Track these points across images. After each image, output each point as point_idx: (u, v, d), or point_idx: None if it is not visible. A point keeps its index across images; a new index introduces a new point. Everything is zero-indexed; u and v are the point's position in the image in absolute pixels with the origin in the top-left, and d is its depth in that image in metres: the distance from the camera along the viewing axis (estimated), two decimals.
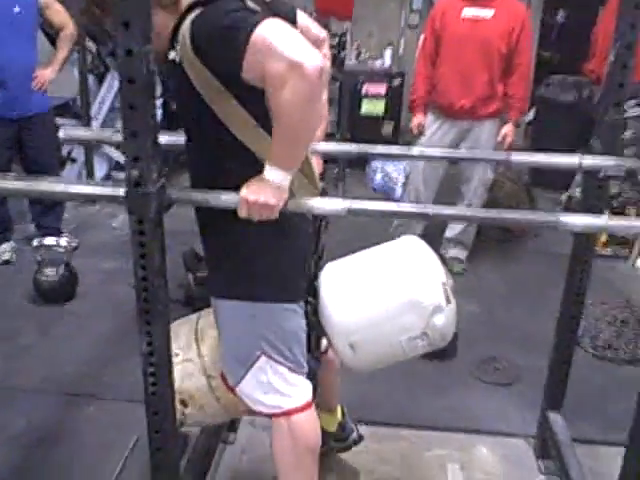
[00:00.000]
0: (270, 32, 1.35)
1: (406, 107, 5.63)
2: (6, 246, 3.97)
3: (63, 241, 3.63)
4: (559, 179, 4.92)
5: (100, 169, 5.19)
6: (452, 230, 3.98)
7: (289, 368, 1.73)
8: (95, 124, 5.04)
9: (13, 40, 3.60)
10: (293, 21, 1.77)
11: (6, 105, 3.65)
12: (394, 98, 5.76)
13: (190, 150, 1.69)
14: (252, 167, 1.50)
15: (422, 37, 3.92)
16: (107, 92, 5.21)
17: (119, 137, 2.24)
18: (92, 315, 3.39)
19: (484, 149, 3.59)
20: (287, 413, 1.76)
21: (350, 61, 6.13)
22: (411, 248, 1.86)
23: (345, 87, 5.60)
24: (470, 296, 3.51)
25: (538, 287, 3.70)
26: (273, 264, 1.66)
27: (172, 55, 1.50)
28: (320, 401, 1.98)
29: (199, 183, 1.63)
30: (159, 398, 1.59)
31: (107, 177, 5.28)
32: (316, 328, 1.83)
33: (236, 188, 1.48)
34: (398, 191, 5.11)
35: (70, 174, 5.08)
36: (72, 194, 1.57)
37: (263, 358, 1.70)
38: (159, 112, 5.52)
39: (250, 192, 1.45)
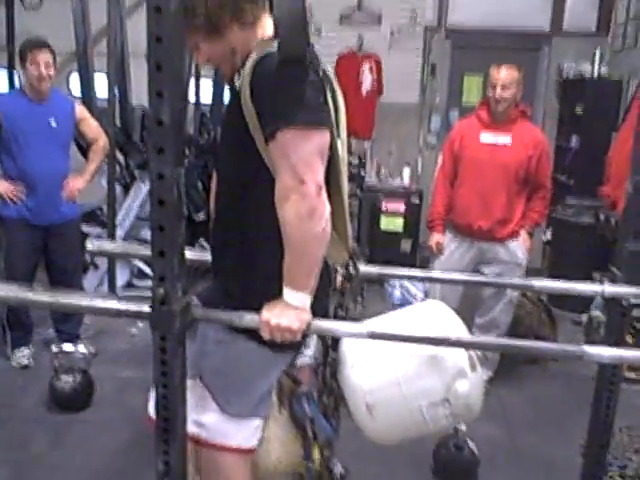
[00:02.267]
0: (294, 137, 1.45)
1: (424, 224, 5.75)
2: (25, 351, 3.99)
3: (82, 348, 3.64)
4: (578, 299, 4.91)
5: (122, 276, 5.26)
6: None
7: (220, 405, 1.72)
8: (120, 232, 5.16)
9: (48, 151, 3.78)
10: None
11: (36, 212, 3.79)
12: (412, 215, 5.87)
13: (221, 183, 1.73)
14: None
15: (440, 158, 4.03)
16: (133, 201, 5.37)
17: (142, 253, 2.34)
18: (106, 425, 3.35)
19: (504, 269, 3.64)
20: (220, 448, 1.74)
21: (370, 179, 6.30)
22: (435, 310, 1.83)
23: (365, 204, 5.72)
24: (491, 419, 3.43)
25: (562, 411, 3.63)
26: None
27: (237, 82, 1.57)
28: None
29: (226, 211, 1.68)
30: None
31: (129, 284, 5.36)
32: (335, 391, 1.80)
33: (263, 219, 1.54)
34: None
35: (92, 280, 5.15)
36: (98, 309, 1.61)
37: (198, 381, 1.72)
38: None
39: (272, 315, 1.47)
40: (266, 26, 1.63)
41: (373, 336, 1.48)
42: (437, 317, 1.83)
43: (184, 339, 1.50)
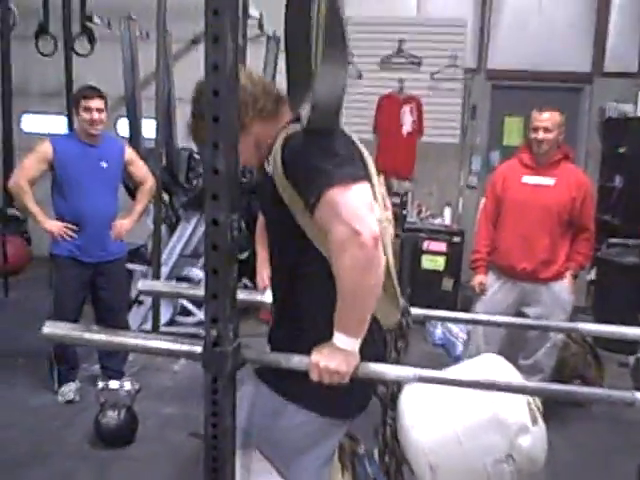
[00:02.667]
0: (340, 196, 1.47)
1: (465, 263, 5.75)
2: (71, 386, 4.07)
3: (127, 385, 3.71)
4: (625, 341, 4.84)
5: (165, 312, 5.35)
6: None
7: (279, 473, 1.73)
8: (164, 269, 5.27)
9: (98, 192, 3.91)
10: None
11: (85, 250, 3.90)
12: (454, 254, 5.88)
13: (273, 260, 1.78)
14: (330, 277, 1.55)
15: (483, 200, 4.06)
16: (177, 241, 5.49)
17: (192, 292, 2.40)
18: (150, 460, 3.39)
19: (548, 311, 3.62)
20: None
21: (411, 218, 6.34)
22: (493, 365, 1.84)
23: (406, 243, 5.75)
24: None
25: (607, 455, 3.55)
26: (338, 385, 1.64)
27: (268, 168, 1.62)
28: None
29: (279, 290, 1.73)
30: None
31: (171, 321, 5.45)
32: (396, 452, 1.81)
33: (314, 295, 1.59)
34: (459, 346, 5.08)
35: (136, 316, 5.25)
36: (151, 348, 1.66)
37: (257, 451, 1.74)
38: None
39: (321, 358, 1.50)
40: (285, 115, 1.72)
41: (421, 379, 1.50)
42: (494, 369, 1.84)
43: (235, 379, 1.54)
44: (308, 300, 1.67)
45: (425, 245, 5.87)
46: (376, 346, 1.75)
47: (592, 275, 6.05)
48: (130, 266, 5.25)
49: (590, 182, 3.83)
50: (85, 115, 3.80)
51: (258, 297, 2.15)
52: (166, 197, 5.50)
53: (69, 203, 3.87)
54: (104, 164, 3.93)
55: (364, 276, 1.46)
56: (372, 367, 1.54)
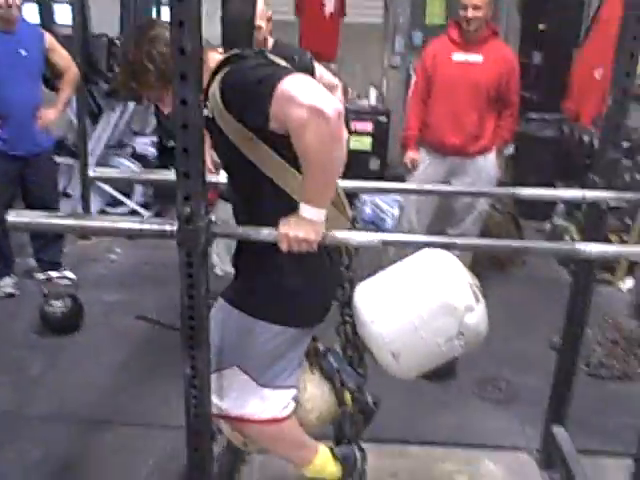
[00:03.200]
0: (291, 84, 1.50)
1: (392, 143, 5.88)
2: (8, 280, 4.04)
3: (69, 274, 3.72)
4: (541, 209, 5.16)
5: (95, 204, 5.27)
6: None
7: (260, 383, 1.87)
8: (91, 161, 5.13)
9: (19, 81, 3.73)
10: (312, 72, 1.93)
11: (11, 142, 3.77)
12: (380, 134, 5.96)
13: (232, 193, 1.84)
14: (288, 205, 1.64)
15: (414, 77, 4.12)
16: (102, 131, 5.33)
17: (156, 177, 2.40)
18: (99, 345, 3.48)
19: (474, 183, 3.79)
20: (253, 421, 1.92)
21: None
22: (434, 257, 1.98)
23: None
24: None
25: (529, 311, 3.89)
26: (296, 293, 1.81)
27: (205, 112, 1.63)
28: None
29: (241, 220, 1.77)
30: (200, 418, 1.71)
31: (101, 212, 5.38)
32: (358, 345, 1.99)
33: (274, 224, 1.61)
34: (388, 222, 5.28)
35: (66, 208, 5.14)
36: (122, 229, 1.69)
37: (236, 369, 1.87)
38: (152, 149, 5.68)
39: (290, 228, 1.58)
40: (213, 58, 1.73)
41: (384, 243, 1.61)
42: (436, 259, 1.98)
43: (207, 254, 1.60)
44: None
45: (352, 126, 5.91)
46: (332, 255, 1.86)
47: (511, 150, 6.27)
48: (57, 159, 5.11)
49: (515, 57, 3.91)
50: None
51: (212, 179, 2.18)
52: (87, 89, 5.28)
53: None
54: (23, 52, 3.72)
55: (330, 150, 1.51)
56: (339, 234, 1.64)
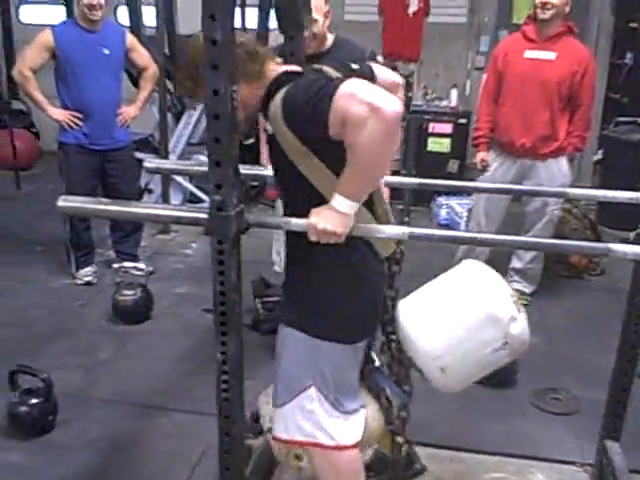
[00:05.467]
0: (350, 85, 1.49)
1: (471, 146, 5.78)
2: (89, 269, 4.25)
3: (141, 265, 3.87)
4: (627, 218, 4.91)
5: (175, 199, 5.46)
6: (519, 261, 4.03)
7: (331, 404, 1.83)
8: (172, 157, 5.33)
9: (102, 79, 3.93)
10: (371, 77, 1.93)
11: (92, 137, 3.97)
12: (460, 136, 5.88)
13: (286, 205, 1.85)
14: None
15: (485, 76, 4.05)
16: (184, 129, 5.52)
17: (197, 168, 2.47)
18: (165, 335, 3.61)
19: (546, 185, 3.63)
20: (321, 446, 1.86)
21: (417, 101, 6.29)
22: (473, 270, 1.97)
23: (412, 126, 5.71)
24: (532, 329, 3.53)
25: (602, 322, 3.71)
26: (344, 304, 1.78)
27: (269, 129, 1.68)
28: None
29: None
30: (231, 403, 1.74)
31: None
32: (404, 362, 1.98)
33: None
34: (463, 225, 5.21)
35: (147, 204, 5.36)
36: (159, 215, 1.76)
37: (313, 389, 1.82)
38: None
39: (320, 219, 1.58)
40: (271, 73, 1.73)
41: (411, 236, 1.59)
42: (476, 272, 1.98)
43: (239, 242, 1.63)
44: (320, 248, 1.67)
45: (430, 127, 5.87)
46: (376, 276, 1.84)
47: (599, 155, 6.05)
48: (139, 155, 5.31)
49: (592, 57, 3.77)
50: (85, 0, 3.76)
51: (263, 171, 2.22)
52: (170, 86, 5.47)
53: (73, 91, 3.90)
54: (106, 50, 3.92)
55: (379, 151, 1.49)
56: (368, 226, 1.63)
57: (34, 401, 2.68)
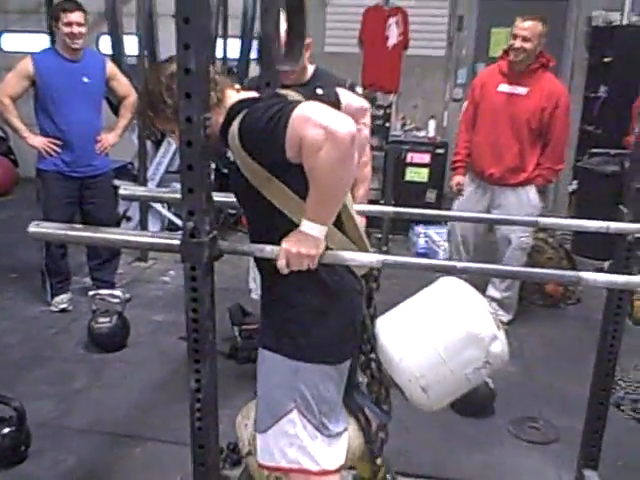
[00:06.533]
0: (305, 108, 1.52)
1: (449, 175, 5.84)
2: (64, 296, 4.21)
3: (117, 292, 3.84)
4: (601, 248, 4.99)
5: (153, 227, 5.45)
6: (495, 290, 4.09)
7: (315, 427, 1.81)
8: (151, 185, 5.33)
9: (81, 107, 3.95)
10: (336, 103, 1.95)
11: (71, 165, 3.98)
12: (437, 166, 5.94)
13: (250, 229, 1.86)
14: None
15: (465, 103, 4.22)
16: (163, 157, 5.54)
17: (172, 196, 2.47)
18: (141, 363, 3.57)
19: (515, 213, 3.70)
20: (306, 472, 1.82)
21: (395, 131, 6.37)
22: (452, 287, 1.96)
23: (390, 155, 5.78)
24: (511, 358, 3.52)
25: (579, 351, 3.73)
26: (321, 324, 1.78)
27: (230, 156, 1.70)
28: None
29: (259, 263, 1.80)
30: (204, 432, 1.72)
31: None
32: (384, 381, 1.96)
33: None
34: (441, 254, 5.24)
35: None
36: (133, 242, 1.76)
37: (295, 412, 1.79)
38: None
39: (291, 244, 1.60)
40: (231, 96, 1.76)
41: (385, 264, 1.61)
42: (455, 289, 1.97)
43: (212, 269, 1.63)
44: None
45: (409, 157, 5.93)
46: (353, 293, 1.84)
47: (574, 185, 6.15)
48: (117, 182, 5.30)
49: (565, 93, 3.84)
50: (65, 29, 3.78)
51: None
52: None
53: (53, 119, 3.91)
54: (86, 79, 3.94)
55: (338, 172, 1.51)
56: (341, 253, 1.64)
57: (5, 430, 2.64)
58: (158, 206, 5.46)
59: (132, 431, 2.95)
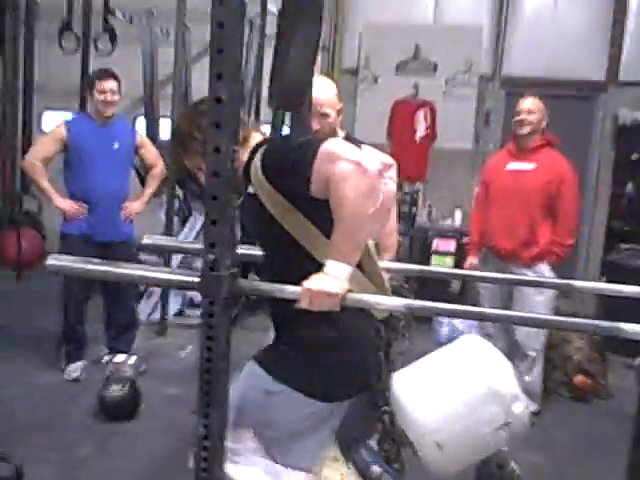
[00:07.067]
0: (333, 145, 1.55)
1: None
2: (79, 364, 4.14)
3: (132, 360, 3.76)
4: (632, 343, 4.82)
5: (174, 303, 5.41)
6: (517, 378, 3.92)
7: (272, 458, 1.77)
8: (175, 261, 5.33)
9: (110, 171, 4.01)
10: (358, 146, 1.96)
11: (96, 228, 3.99)
12: (463, 255, 5.85)
13: (266, 265, 1.85)
14: (317, 271, 1.60)
15: (476, 188, 4.37)
16: (189, 232, 5.55)
17: (194, 246, 2.44)
18: (151, 435, 3.44)
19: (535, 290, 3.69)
20: None
21: (421, 218, 6.37)
22: (475, 344, 1.90)
23: (415, 242, 5.76)
24: (536, 449, 3.43)
25: (609, 446, 3.50)
26: (327, 363, 1.75)
27: (250, 189, 1.71)
28: None
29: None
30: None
31: (180, 312, 5.49)
32: (396, 437, 1.86)
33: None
34: None
35: (145, 307, 5.33)
36: (152, 278, 1.70)
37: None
38: None
39: (312, 283, 1.54)
40: (256, 137, 1.82)
41: (409, 309, 1.53)
42: (478, 347, 1.93)
43: (230, 307, 1.57)
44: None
45: (434, 245, 5.89)
46: (368, 333, 1.81)
47: (603, 280, 6.04)
48: (143, 257, 5.33)
49: (570, 168, 3.89)
50: (99, 97, 3.90)
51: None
52: (180, 192, 5.57)
53: (81, 182, 3.96)
54: (116, 145, 4.03)
55: (365, 204, 1.52)
56: (362, 296, 1.58)
57: None
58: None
59: None
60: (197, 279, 1.55)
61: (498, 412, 1.74)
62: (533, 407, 3.88)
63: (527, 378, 3.93)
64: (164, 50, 5.60)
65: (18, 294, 5.99)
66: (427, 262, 5.85)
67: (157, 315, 5.27)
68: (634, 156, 5.96)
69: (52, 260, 1.71)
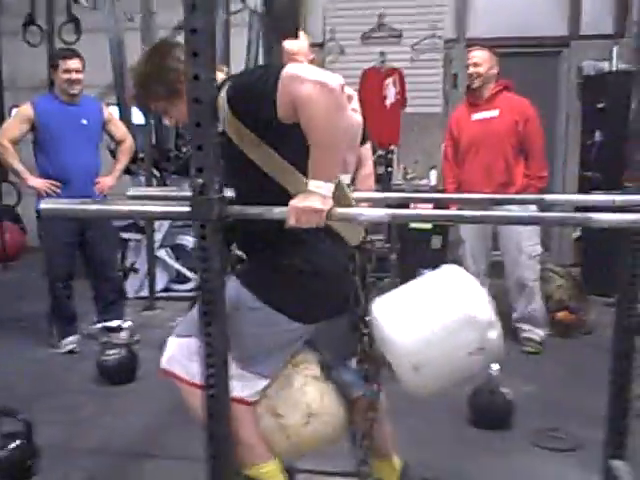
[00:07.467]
0: (295, 68, 1.63)
1: None
2: (72, 338, 4.21)
3: (126, 324, 3.84)
4: (610, 284, 4.96)
5: (161, 279, 5.48)
6: (518, 309, 4.21)
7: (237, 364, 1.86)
8: (157, 237, 5.40)
9: (80, 148, 4.09)
10: None
11: None
12: None
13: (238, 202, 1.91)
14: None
15: (442, 145, 4.53)
16: None
17: (185, 194, 2.51)
18: (152, 394, 3.50)
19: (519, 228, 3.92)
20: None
21: (397, 180, 6.48)
22: (453, 273, 1.97)
23: (393, 205, 5.82)
24: (526, 378, 3.64)
25: (593, 376, 3.64)
26: (298, 292, 1.87)
27: (219, 128, 1.74)
28: (373, 447, 2.05)
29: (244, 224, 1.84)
30: (216, 399, 1.70)
31: (167, 288, 5.57)
32: (374, 359, 1.95)
33: (279, 225, 1.68)
34: None
35: (133, 283, 5.40)
36: (144, 212, 1.79)
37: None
38: None
39: (298, 201, 1.64)
40: (218, 76, 1.83)
41: (393, 217, 1.64)
42: (457, 275, 1.98)
43: (221, 228, 1.65)
44: (273, 233, 1.80)
45: (412, 205, 5.97)
46: (341, 259, 1.89)
47: (578, 232, 6.19)
48: (125, 235, 5.40)
49: (531, 106, 4.08)
50: (64, 76, 3.98)
51: None
52: (157, 173, 5.61)
53: (52, 160, 4.03)
54: (84, 121, 4.11)
55: (335, 118, 1.59)
56: (348, 210, 1.67)
57: (13, 445, 2.60)
58: (166, 257, 5.51)
59: (143, 450, 2.93)
60: (188, 208, 1.64)
61: (474, 337, 1.81)
62: (543, 332, 4.19)
63: (530, 307, 4.16)
64: (130, 36, 5.60)
65: (2, 284, 6.06)
66: (406, 223, 5.95)
67: (144, 292, 5.34)
68: (600, 104, 6.05)
69: (45, 204, 1.77)
